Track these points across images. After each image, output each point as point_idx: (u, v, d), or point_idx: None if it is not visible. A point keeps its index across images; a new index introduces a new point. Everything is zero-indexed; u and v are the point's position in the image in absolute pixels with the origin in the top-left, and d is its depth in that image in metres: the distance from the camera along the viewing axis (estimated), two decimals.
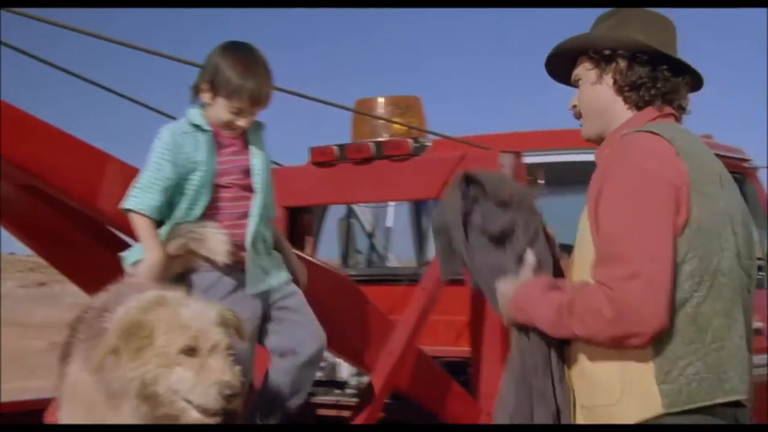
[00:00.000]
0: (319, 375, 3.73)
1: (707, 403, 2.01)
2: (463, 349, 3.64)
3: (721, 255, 2.07)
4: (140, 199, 2.55)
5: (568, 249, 4.70)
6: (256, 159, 2.72)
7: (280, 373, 2.75)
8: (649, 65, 2.22)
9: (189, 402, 2.14)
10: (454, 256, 2.39)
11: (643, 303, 1.98)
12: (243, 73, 2.63)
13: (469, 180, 2.38)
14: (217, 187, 2.64)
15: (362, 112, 3.78)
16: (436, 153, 3.80)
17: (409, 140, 3.69)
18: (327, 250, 4.76)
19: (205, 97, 2.66)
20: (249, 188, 2.69)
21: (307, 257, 3.66)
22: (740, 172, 4.31)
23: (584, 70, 2.28)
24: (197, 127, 2.65)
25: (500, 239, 2.31)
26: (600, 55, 2.24)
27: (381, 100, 3.83)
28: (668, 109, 2.24)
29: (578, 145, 4.03)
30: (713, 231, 2.06)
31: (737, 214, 2.14)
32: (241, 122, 2.66)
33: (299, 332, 2.74)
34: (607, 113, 2.25)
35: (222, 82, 2.63)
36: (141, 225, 2.55)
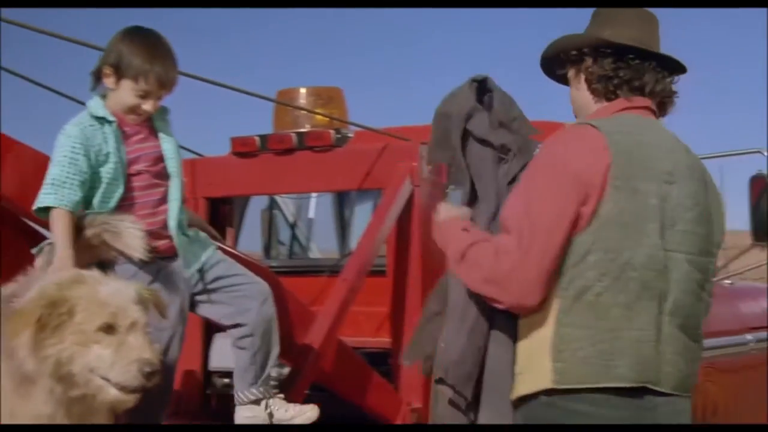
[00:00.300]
0: None
1: (591, 386, 2.13)
2: (384, 340, 3.66)
3: (636, 250, 2.16)
4: (59, 195, 2.49)
5: None
6: (167, 144, 2.70)
7: (240, 341, 2.78)
8: (611, 57, 2.32)
9: (107, 380, 2.13)
10: (445, 147, 2.50)
11: (509, 277, 2.18)
12: (149, 56, 2.60)
13: (483, 85, 2.51)
14: (129, 177, 2.61)
15: (284, 102, 3.76)
16: (358, 144, 3.80)
17: (331, 131, 3.68)
18: (249, 242, 4.73)
19: (109, 82, 2.61)
20: (161, 175, 2.67)
21: (227, 248, 3.64)
22: None
23: (569, 72, 2.42)
24: (101, 119, 2.60)
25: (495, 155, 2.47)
26: (568, 57, 2.39)
27: (303, 90, 3.81)
28: (639, 101, 2.33)
29: None
30: (629, 226, 2.15)
31: (688, 212, 2.22)
32: (147, 106, 2.62)
33: (241, 299, 2.76)
34: (586, 110, 2.38)
35: (128, 65, 2.59)
36: (63, 221, 2.48)
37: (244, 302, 2.77)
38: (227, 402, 3.85)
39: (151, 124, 2.70)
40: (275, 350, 2.83)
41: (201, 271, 2.74)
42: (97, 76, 2.64)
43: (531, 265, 2.16)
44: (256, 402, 2.81)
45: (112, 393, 2.14)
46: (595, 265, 2.15)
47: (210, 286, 2.76)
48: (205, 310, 2.80)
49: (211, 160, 3.99)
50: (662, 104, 2.39)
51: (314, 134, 3.70)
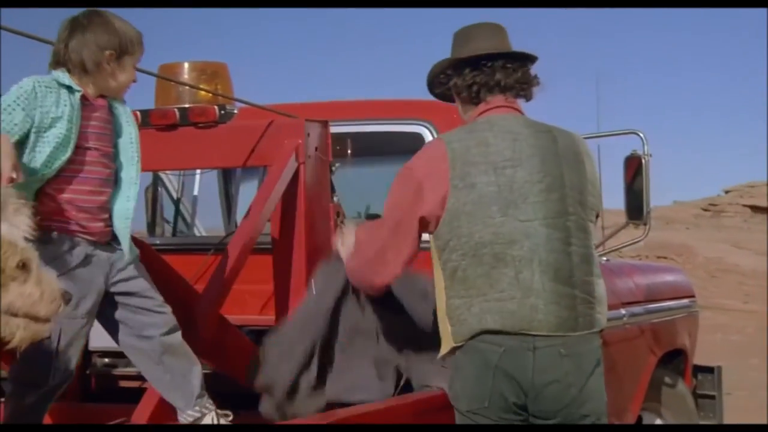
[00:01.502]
0: None
1: (470, 336, 2.69)
2: (269, 318, 3.65)
3: (483, 230, 2.68)
4: None
5: (375, 218, 4.80)
6: (132, 128, 2.78)
7: (146, 354, 2.81)
8: (468, 68, 2.81)
9: (32, 317, 2.17)
10: None
11: (354, 271, 2.97)
12: (132, 28, 2.76)
13: None
14: (78, 149, 2.61)
15: (166, 77, 3.68)
16: (243, 121, 3.76)
17: (216, 107, 3.63)
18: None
19: (109, 65, 2.70)
20: (109, 156, 2.72)
21: None
22: None
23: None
24: (67, 87, 2.62)
25: None
26: (440, 81, 2.89)
27: (186, 65, 3.74)
28: (496, 101, 2.81)
29: (386, 115, 4.14)
30: (472, 214, 2.68)
31: (536, 185, 2.70)
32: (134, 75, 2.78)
33: (144, 325, 2.80)
34: (465, 119, 2.88)
35: (129, 42, 2.73)
36: None
37: (146, 329, 2.78)
38: (108, 382, 3.80)
39: (110, 108, 2.74)
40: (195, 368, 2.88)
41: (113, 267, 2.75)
42: (97, 63, 2.68)
43: (367, 260, 2.88)
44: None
45: (33, 327, 2.18)
46: (455, 248, 2.69)
47: (118, 299, 2.75)
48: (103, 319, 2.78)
49: None
50: (524, 91, 2.85)
51: (198, 110, 3.64)
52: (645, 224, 4.21)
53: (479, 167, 2.69)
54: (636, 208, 4.21)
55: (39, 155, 2.56)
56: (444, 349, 2.80)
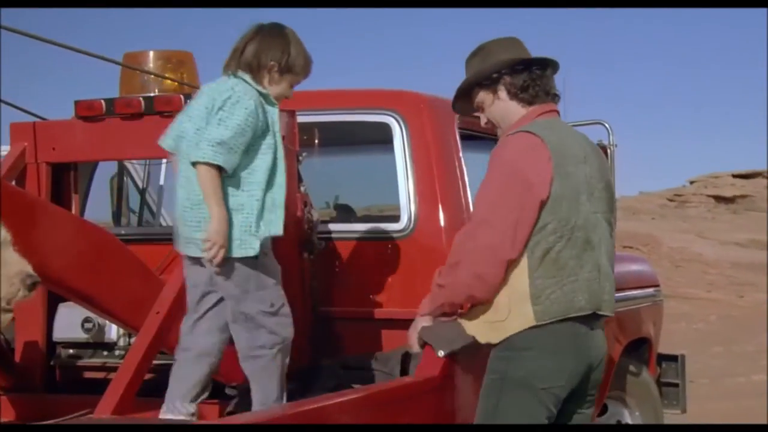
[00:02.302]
0: (85, 337, 3.61)
1: (561, 317, 2.92)
2: None
3: (578, 215, 2.96)
4: (227, 158, 2.81)
5: (344, 208, 4.80)
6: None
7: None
8: (525, 71, 3.08)
9: None
10: None
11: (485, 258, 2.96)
12: (305, 52, 3.05)
13: None
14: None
15: (131, 66, 3.65)
16: None
17: (181, 96, 3.60)
18: (97, 210, 4.59)
19: (270, 76, 2.99)
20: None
21: (71, 215, 3.53)
22: None
23: (482, 97, 3.15)
24: (268, 98, 3.00)
25: None
26: (490, 80, 3.10)
27: (151, 53, 3.71)
28: (550, 106, 3.13)
29: (353, 105, 4.13)
30: (571, 199, 2.95)
31: (599, 181, 3.05)
32: (291, 94, 3.08)
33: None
34: (509, 117, 3.11)
35: (293, 64, 3.01)
36: (218, 181, 2.81)
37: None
38: (72, 373, 3.77)
39: None
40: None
41: None
42: (256, 69, 2.97)
43: (488, 243, 2.94)
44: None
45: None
46: (554, 231, 2.92)
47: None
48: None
49: (54, 123, 3.83)
50: (559, 99, 3.19)
51: (163, 99, 3.61)
52: None
53: (569, 159, 2.98)
54: None
55: (247, 163, 2.90)
56: (510, 330, 2.93)
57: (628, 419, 4.79)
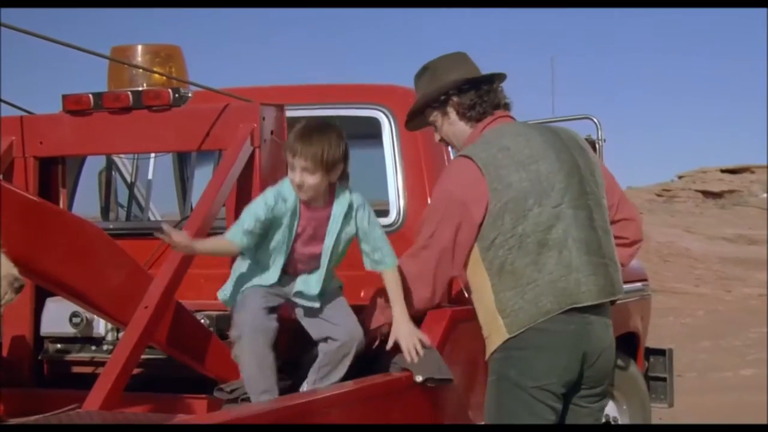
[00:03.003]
0: (73, 332, 3.60)
1: (530, 325, 2.95)
2: None
3: (525, 222, 2.97)
4: (233, 231, 3.11)
5: None
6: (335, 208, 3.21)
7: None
8: (472, 90, 3.16)
9: None
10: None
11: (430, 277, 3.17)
12: (294, 134, 3.12)
13: None
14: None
15: (119, 60, 3.64)
16: (197, 104, 3.73)
17: (170, 90, 3.60)
18: (85, 204, 4.58)
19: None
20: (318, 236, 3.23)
21: (59, 210, 3.52)
22: None
23: (434, 117, 3.25)
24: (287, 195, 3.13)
25: None
26: (438, 102, 3.20)
27: (139, 47, 3.69)
28: (498, 113, 3.19)
29: (342, 100, 4.13)
30: (513, 210, 2.97)
31: (558, 174, 3.02)
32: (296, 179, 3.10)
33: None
34: (459, 136, 3.21)
35: (288, 147, 3.11)
36: (219, 243, 3.15)
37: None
38: (60, 368, 3.76)
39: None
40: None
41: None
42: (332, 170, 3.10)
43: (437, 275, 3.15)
44: None
45: None
46: (501, 244, 2.96)
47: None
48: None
49: (41, 118, 3.81)
50: (511, 106, 3.26)
51: (151, 93, 3.60)
52: None
53: (509, 168, 3.00)
54: None
55: (266, 246, 3.19)
56: (494, 344, 3.02)
57: (615, 413, 4.81)
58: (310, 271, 3.17)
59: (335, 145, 3.05)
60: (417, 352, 3.11)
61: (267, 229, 3.10)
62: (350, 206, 3.15)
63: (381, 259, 3.16)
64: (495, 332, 3.02)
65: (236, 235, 3.08)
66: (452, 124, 3.22)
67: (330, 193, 3.14)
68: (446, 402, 3.36)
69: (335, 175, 3.09)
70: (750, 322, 14.12)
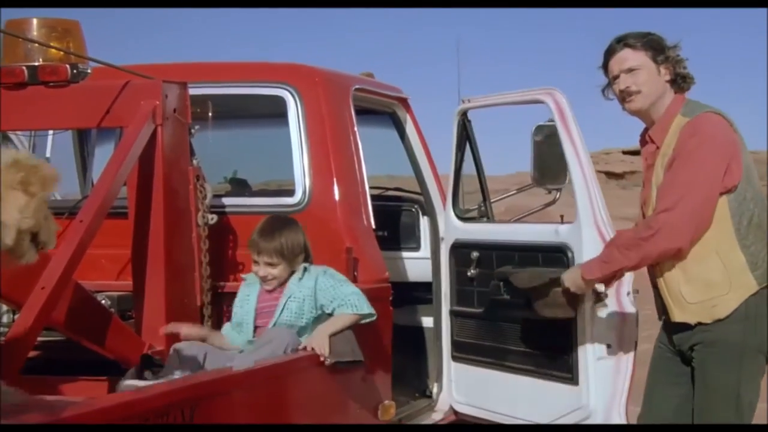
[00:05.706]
0: None
1: None
2: (127, 283, 3.57)
3: (759, 183, 3.19)
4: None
5: (240, 182, 4.75)
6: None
7: None
8: (680, 64, 3.24)
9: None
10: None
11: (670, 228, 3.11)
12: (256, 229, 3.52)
13: None
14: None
15: (14, 33, 3.52)
16: (97, 81, 3.64)
17: (67, 66, 3.50)
18: None
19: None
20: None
21: None
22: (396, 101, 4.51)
23: (645, 62, 3.23)
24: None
25: None
26: (665, 57, 3.22)
27: (35, 21, 3.57)
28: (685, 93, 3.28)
29: (248, 78, 4.09)
30: (752, 170, 3.16)
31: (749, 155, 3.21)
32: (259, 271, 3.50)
33: None
34: (663, 97, 3.23)
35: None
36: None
37: None
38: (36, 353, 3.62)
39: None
40: None
41: None
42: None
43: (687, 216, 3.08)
44: None
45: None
46: (752, 198, 3.12)
47: None
48: None
49: None
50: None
51: (48, 68, 3.50)
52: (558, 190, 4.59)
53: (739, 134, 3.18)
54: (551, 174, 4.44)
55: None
56: (739, 298, 3.06)
57: None
58: None
59: (293, 237, 3.45)
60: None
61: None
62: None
63: (339, 306, 3.41)
64: (739, 287, 3.07)
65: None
66: (660, 82, 3.26)
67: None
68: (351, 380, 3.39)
69: (297, 264, 3.46)
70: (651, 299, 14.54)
